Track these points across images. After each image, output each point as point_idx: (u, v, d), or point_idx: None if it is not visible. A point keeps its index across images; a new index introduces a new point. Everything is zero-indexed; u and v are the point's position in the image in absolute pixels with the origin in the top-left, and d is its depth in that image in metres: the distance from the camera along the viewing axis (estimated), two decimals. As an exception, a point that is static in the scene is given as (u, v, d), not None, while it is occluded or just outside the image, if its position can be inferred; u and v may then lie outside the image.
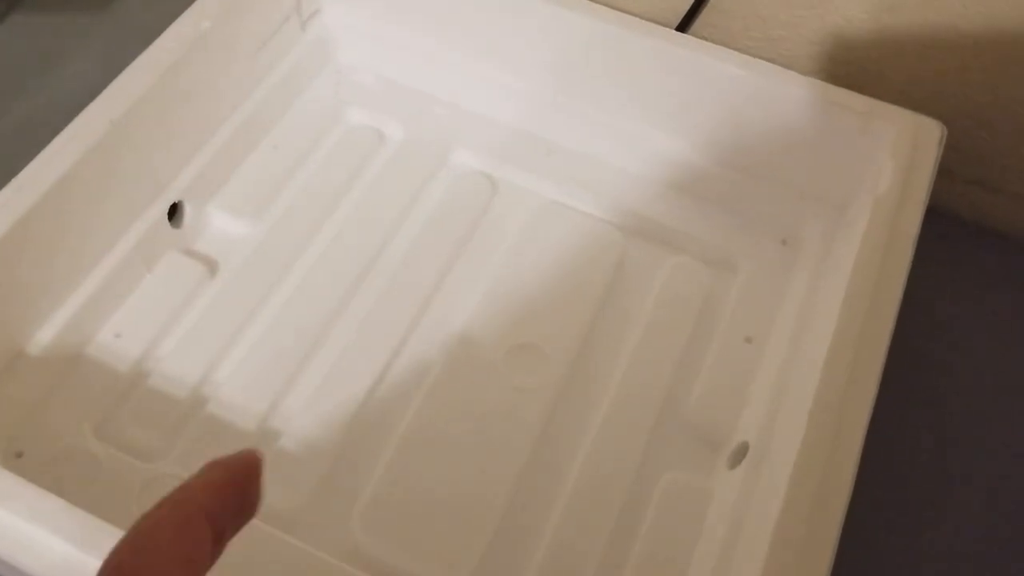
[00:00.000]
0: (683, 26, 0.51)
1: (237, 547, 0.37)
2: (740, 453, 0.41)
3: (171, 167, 0.46)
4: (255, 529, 0.38)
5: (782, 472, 0.35)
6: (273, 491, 0.40)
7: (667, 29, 0.49)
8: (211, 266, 0.46)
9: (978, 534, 0.43)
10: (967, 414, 0.46)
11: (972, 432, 0.45)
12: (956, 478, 0.44)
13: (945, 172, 0.52)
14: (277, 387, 0.43)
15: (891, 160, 0.42)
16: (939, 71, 0.49)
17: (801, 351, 0.42)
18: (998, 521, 0.43)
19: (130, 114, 0.42)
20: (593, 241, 0.49)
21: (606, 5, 0.49)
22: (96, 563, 0.29)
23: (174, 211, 0.47)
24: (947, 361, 0.48)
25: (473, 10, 0.51)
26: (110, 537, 0.31)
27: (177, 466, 0.40)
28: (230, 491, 0.23)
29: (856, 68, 0.50)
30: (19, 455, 0.39)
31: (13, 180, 0.40)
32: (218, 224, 0.48)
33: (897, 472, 0.44)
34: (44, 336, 0.41)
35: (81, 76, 0.56)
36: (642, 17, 0.49)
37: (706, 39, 0.49)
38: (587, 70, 0.50)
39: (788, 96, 0.46)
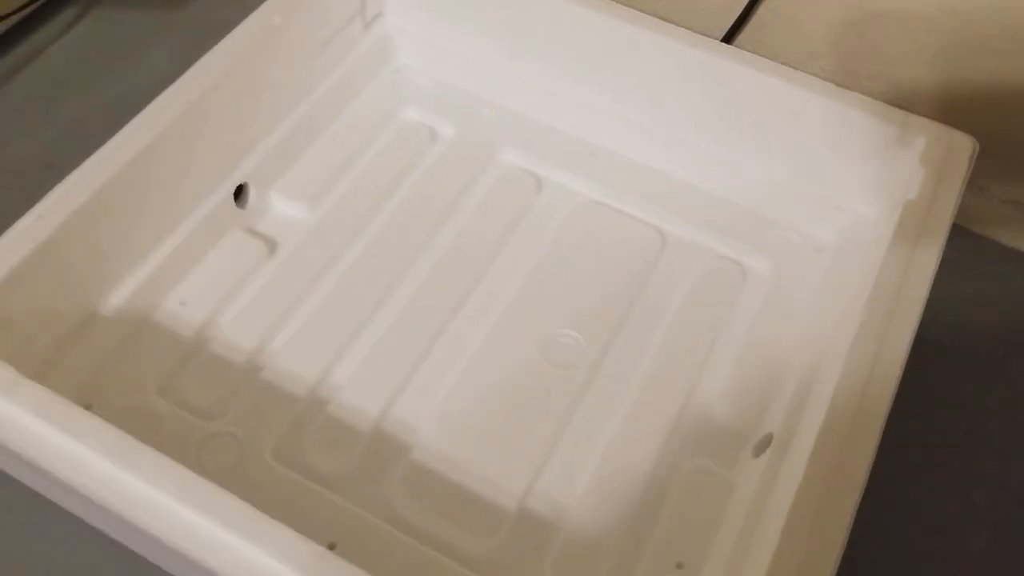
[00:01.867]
0: (727, 39, 0.53)
1: (282, 500, 0.40)
2: (764, 443, 0.43)
3: (239, 151, 0.49)
4: (300, 486, 0.41)
5: (801, 463, 0.37)
6: (319, 454, 0.43)
7: (712, 40, 0.51)
8: (271, 245, 0.49)
9: (995, 535, 0.44)
10: (988, 419, 0.47)
11: (993, 439, 0.47)
12: (976, 481, 0.46)
13: (978, 189, 0.54)
14: (327, 358, 0.45)
15: (921, 168, 0.44)
16: (976, 90, 0.50)
17: (829, 351, 0.44)
18: (1018, 523, 0.44)
19: (204, 98, 0.46)
20: (631, 239, 0.51)
21: (653, 16, 0.51)
22: (164, 498, 0.32)
23: (239, 192, 0.50)
24: (973, 366, 0.49)
25: (525, 19, 0.54)
26: (178, 473, 0.33)
27: (233, 425, 0.43)
28: None
29: (893, 85, 0.52)
30: (88, 406, 0.42)
31: (95, 153, 0.43)
32: (279, 207, 0.51)
33: (918, 474, 0.46)
34: (116, 299, 0.45)
35: (157, 68, 0.59)
36: (688, 29, 0.51)
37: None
38: (632, 77, 0.52)
39: (826, 108, 0.48)
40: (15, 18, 0.59)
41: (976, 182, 0.53)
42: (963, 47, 0.49)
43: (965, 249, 0.53)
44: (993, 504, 0.45)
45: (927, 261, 0.42)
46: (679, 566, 0.40)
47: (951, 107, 0.51)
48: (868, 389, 0.38)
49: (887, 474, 0.44)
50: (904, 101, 0.52)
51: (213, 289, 0.47)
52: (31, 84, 0.58)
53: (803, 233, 0.51)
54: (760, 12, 0.53)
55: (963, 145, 0.46)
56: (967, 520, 0.44)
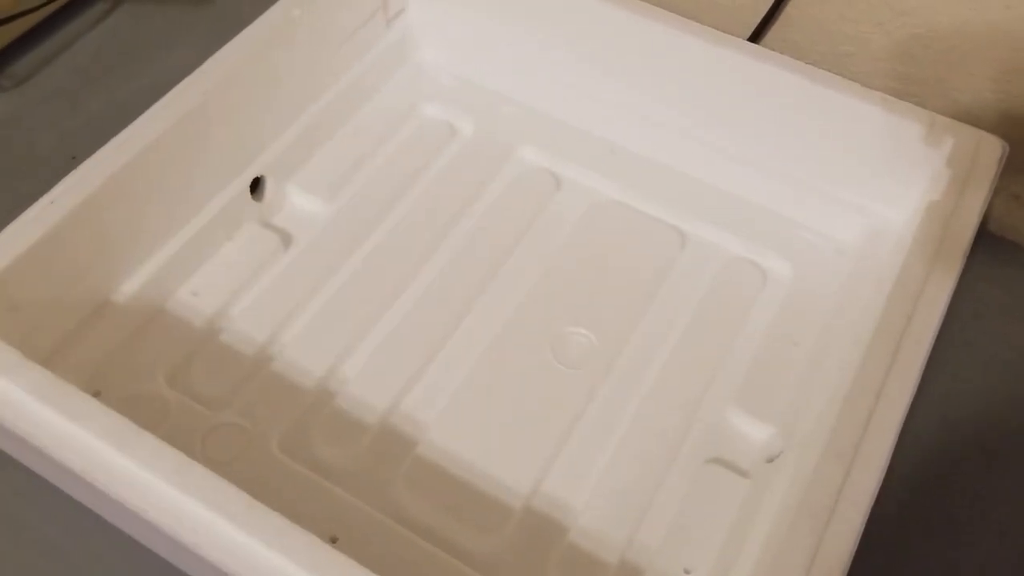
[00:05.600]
0: (754, 38, 0.52)
1: (286, 492, 0.40)
2: (777, 448, 0.42)
3: (256, 144, 0.49)
4: (305, 478, 0.41)
5: (812, 469, 0.36)
6: (325, 447, 0.42)
7: (738, 39, 0.50)
8: (286, 239, 0.49)
9: (1014, 556, 0.43)
10: (1013, 433, 0.46)
11: (1017, 451, 0.45)
12: (999, 495, 0.44)
13: (1012, 197, 0.52)
14: (337, 352, 0.45)
15: (947, 170, 0.43)
16: (1007, 94, 0.49)
17: (846, 356, 0.42)
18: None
19: (221, 89, 0.46)
20: (649, 239, 0.50)
21: (678, 13, 0.51)
22: (163, 485, 0.32)
23: (256, 185, 0.50)
24: (995, 377, 0.48)
25: (548, 16, 0.53)
26: (177, 460, 0.33)
27: (240, 416, 0.43)
28: None
29: (921, 87, 0.51)
30: (97, 394, 0.42)
31: (110, 141, 0.43)
32: (296, 200, 0.51)
33: (936, 487, 0.44)
34: (129, 288, 0.45)
35: (184, 63, 0.60)
36: (714, 28, 0.50)
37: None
38: (656, 75, 0.52)
39: (852, 107, 0.47)
40: (46, 10, 0.60)
41: (1009, 189, 0.52)
42: (996, 48, 0.48)
43: (1001, 259, 0.52)
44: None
45: (950, 264, 0.40)
46: (686, 571, 0.39)
47: (983, 109, 0.50)
48: (883, 394, 0.37)
49: (900, 483, 0.43)
50: (934, 102, 0.51)
51: (226, 280, 0.47)
52: (59, 76, 0.59)
53: (825, 236, 0.50)
54: (787, 11, 0.52)
55: (992, 147, 0.44)
56: (991, 543, 0.43)
